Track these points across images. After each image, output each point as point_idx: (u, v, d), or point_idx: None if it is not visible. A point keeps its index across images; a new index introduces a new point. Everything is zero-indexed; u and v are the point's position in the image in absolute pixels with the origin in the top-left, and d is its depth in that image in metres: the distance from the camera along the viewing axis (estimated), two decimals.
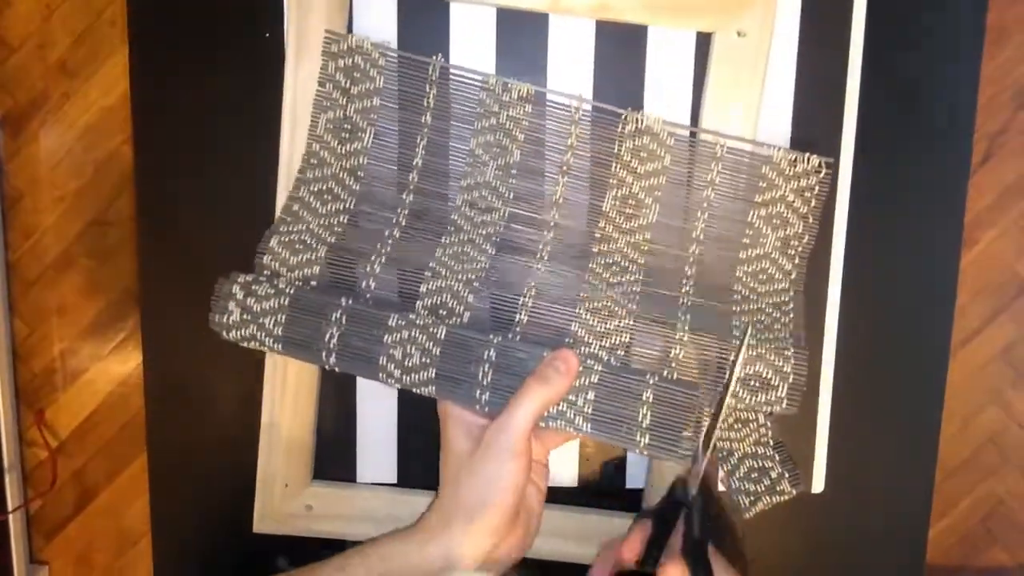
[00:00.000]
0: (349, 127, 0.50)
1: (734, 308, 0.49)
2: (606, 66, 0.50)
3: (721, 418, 0.45)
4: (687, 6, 0.48)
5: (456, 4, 0.50)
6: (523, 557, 0.46)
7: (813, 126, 0.51)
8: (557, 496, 0.53)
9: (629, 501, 0.54)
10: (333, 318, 0.47)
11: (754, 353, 0.47)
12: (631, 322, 0.48)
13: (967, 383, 0.67)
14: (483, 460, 0.42)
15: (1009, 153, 0.66)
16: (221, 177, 0.52)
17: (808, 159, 0.48)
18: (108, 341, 0.67)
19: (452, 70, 0.49)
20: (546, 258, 0.49)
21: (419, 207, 0.50)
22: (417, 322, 0.46)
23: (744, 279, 0.50)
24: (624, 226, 0.50)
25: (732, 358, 0.46)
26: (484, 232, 0.49)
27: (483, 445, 0.43)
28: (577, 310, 0.48)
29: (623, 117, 0.48)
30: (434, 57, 0.49)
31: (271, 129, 0.50)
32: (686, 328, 0.48)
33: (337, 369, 0.47)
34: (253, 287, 0.47)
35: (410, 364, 0.46)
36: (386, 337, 0.46)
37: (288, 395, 0.52)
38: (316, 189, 0.50)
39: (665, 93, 0.51)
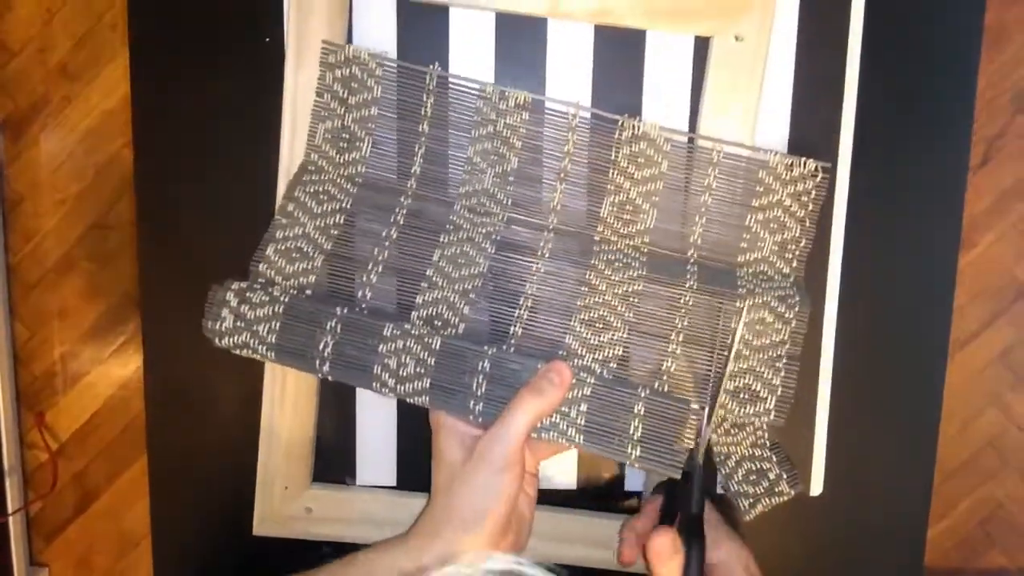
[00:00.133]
0: (347, 136, 0.50)
1: (736, 304, 0.49)
2: (605, 71, 0.51)
3: (723, 388, 0.46)
4: (686, 11, 0.49)
5: (455, 9, 0.50)
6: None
7: (811, 129, 0.51)
8: (556, 499, 0.53)
9: (627, 504, 0.54)
10: (328, 327, 0.47)
11: (744, 366, 0.48)
12: (624, 335, 0.49)
13: (966, 386, 0.67)
14: (476, 470, 0.43)
15: (1007, 156, 0.66)
16: (221, 181, 0.52)
17: (804, 163, 0.49)
18: (108, 344, 0.67)
19: (449, 79, 0.49)
20: (547, 255, 0.49)
21: (417, 208, 0.50)
22: (412, 332, 0.47)
23: (742, 283, 0.50)
24: (622, 231, 0.50)
25: (733, 325, 0.47)
26: (483, 231, 0.50)
27: (476, 455, 0.43)
28: (572, 322, 0.48)
29: (620, 123, 0.49)
30: (431, 66, 0.49)
31: (271, 133, 0.50)
32: (679, 340, 0.49)
33: (331, 378, 0.47)
34: (247, 294, 0.48)
35: (404, 374, 0.46)
36: (380, 347, 0.47)
37: (288, 397, 0.52)
38: (312, 191, 0.50)
39: (663, 97, 0.51)
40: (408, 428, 0.54)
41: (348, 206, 0.50)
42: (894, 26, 0.51)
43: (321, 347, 0.47)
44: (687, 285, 0.49)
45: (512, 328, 0.48)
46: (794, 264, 0.50)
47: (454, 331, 0.48)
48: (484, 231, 0.50)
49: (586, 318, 0.49)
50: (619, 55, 0.50)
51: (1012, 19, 0.65)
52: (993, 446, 0.68)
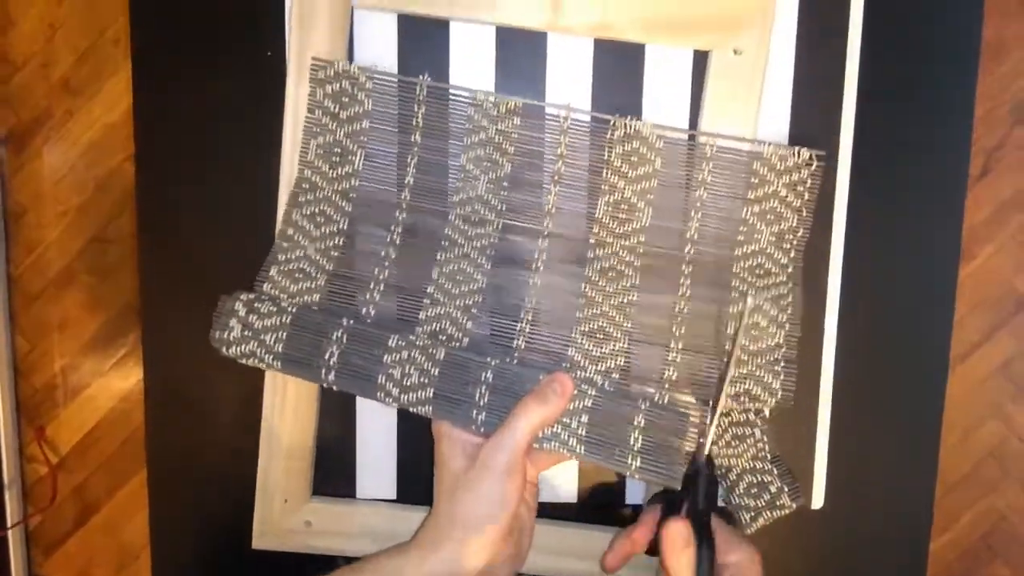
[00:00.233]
0: (340, 151, 0.50)
1: (731, 309, 0.49)
2: (604, 84, 0.51)
3: (728, 379, 0.46)
4: (685, 25, 0.49)
5: (456, 23, 0.50)
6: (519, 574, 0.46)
7: (810, 141, 0.51)
8: (557, 512, 0.53)
9: (628, 516, 0.54)
10: (334, 337, 0.47)
11: (744, 371, 0.49)
12: (626, 345, 0.49)
13: (967, 397, 0.67)
14: (479, 478, 0.43)
15: (1006, 168, 0.66)
16: (222, 194, 0.52)
17: (799, 152, 0.49)
18: (109, 357, 0.67)
19: (439, 88, 0.50)
20: (542, 269, 0.49)
21: (412, 224, 0.50)
22: (417, 343, 0.47)
23: (741, 274, 0.50)
24: (618, 230, 0.50)
25: (732, 329, 0.47)
26: (479, 245, 0.50)
27: (479, 463, 0.43)
28: (573, 334, 0.49)
29: (612, 123, 0.49)
30: (421, 76, 0.49)
31: (272, 147, 0.50)
32: (679, 346, 0.49)
33: (336, 387, 0.47)
34: (255, 304, 0.48)
35: (408, 384, 0.46)
36: (385, 357, 0.47)
37: (288, 410, 0.52)
38: (309, 212, 0.50)
39: (663, 110, 0.51)
40: (409, 441, 0.54)
41: (345, 226, 0.50)
42: (893, 37, 0.51)
43: (327, 356, 0.47)
44: (681, 293, 0.49)
45: (515, 341, 0.49)
46: (792, 255, 0.50)
47: (458, 344, 0.48)
48: (479, 244, 0.50)
49: (587, 329, 0.49)
50: (619, 69, 0.51)
51: (1010, 33, 0.65)
52: (994, 457, 0.68)
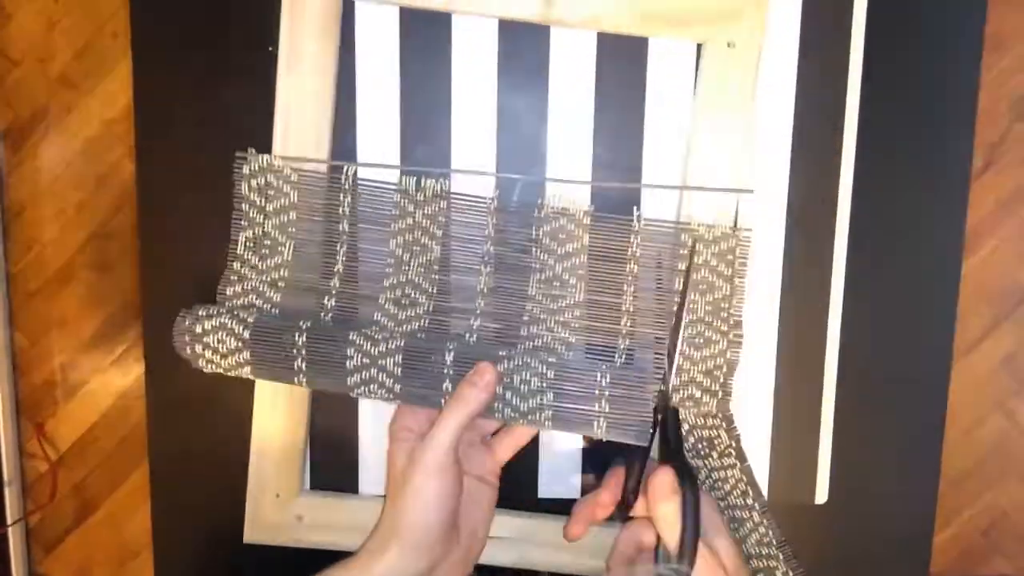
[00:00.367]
0: (269, 243, 0.50)
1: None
2: (607, 77, 0.51)
3: (682, 328, 0.47)
4: (677, 18, 0.49)
5: (458, 16, 0.50)
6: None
7: (813, 138, 0.51)
8: (556, 507, 0.53)
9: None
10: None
11: (686, 377, 0.50)
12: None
13: (969, 393, 0.66)
14: (411, 477, 0.43)
15: (1007, 163, 0.66)
16: (222, 190, 0.52)
17: (725, 224, 0.49)
18: (108, 354, 0.66)
19: (362, 179, 0.50)
20: (472, 342, 0.49)
21: (341, 310, 0.50)
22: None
23: (681, 346, 0.49)
24: (551, 307, 0.50)
25: (685, 266, 0.48)
26: (409, 329, 0.50)
27: (412, 462, 0.44)
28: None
29: (538, 203, 0.49)
30: (345, 167, 0.49)
31: (273, 143, 0.50)
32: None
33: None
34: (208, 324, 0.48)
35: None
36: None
37: (279, 405, 0.52)
38: (238, 303, 0.50)
39: (665, 104, 0.51)
40: None
41: (276, 313, 0.50)
42: (895, 34, 0.51)
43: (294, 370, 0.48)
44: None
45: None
46: (731, 322, 0.50)
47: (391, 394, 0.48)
48: (409, 328, 0.50)
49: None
50: (621, 62, 0.50)
51: (1010, 27, 0.65)
52: (997, 453, 0.68)
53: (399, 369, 0.46)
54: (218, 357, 0.48)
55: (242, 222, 0.51)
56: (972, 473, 0.67)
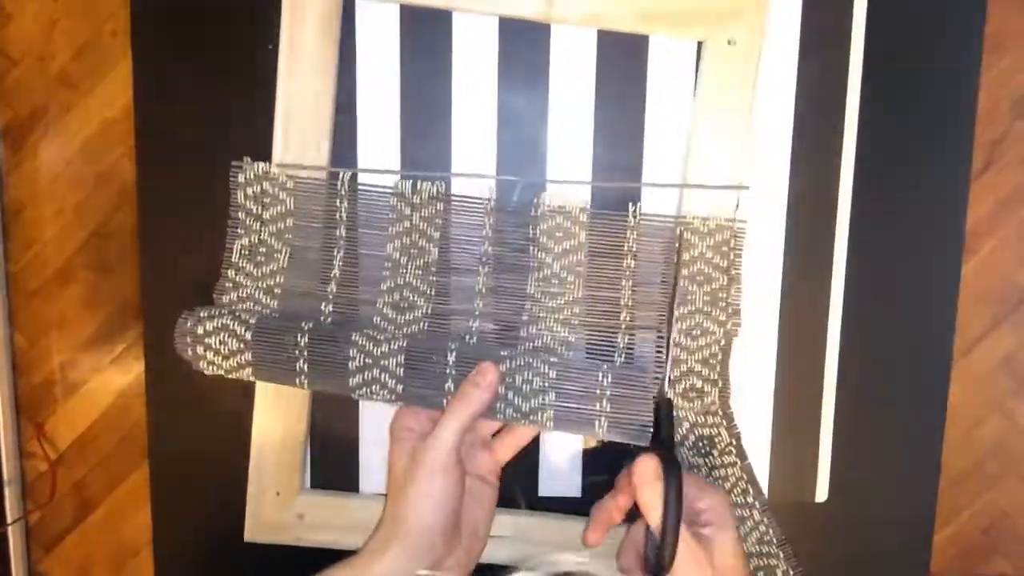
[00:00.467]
0: (264, 251, 0.50)
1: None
2: (607, 75, 0.51)
3: (676, 316, 0.48)
4: (678, 16, 0.49)
5: (458, 14, 0.50)
6: None
7: (813, 138, 0.51)
8: (561, 506, 0.53)
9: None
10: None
11: (684, 368, 0.50)
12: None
13: (969, 393, 0.67)
14: (413, 477, 0.43)
15: (1007, 163, 0.66)
16: (222, 189, 0.52)
17: (720, 218, 0.49)
18: (107, 353, 0.66)
19: (360, 182, 0.50)
20: (472, 343, 0.49)
21: (340, 315, 0.50)
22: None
23: (677, 337, 0.50)
24: (550, 305, 0.50)
25: (676, 247, 0.49)
26: (408, 331, 0.50)
27: (414, 462, 0.44)
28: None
29: (534, 202, 0.49)
30: (341, 172, 0.49)
31: (272, 142, 0.50)
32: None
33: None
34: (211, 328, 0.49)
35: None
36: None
37: (280, 403, 0.52)
38: (233, 310, 0.50)
39: (666, 102, 0.51)
40: None
41: (276, 316, 0.50)
42: (895, 34, 0.51)
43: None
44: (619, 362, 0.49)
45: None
46: (729, 311, 0.50)
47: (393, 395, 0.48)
48: (408, 331, 0.50)
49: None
50: (622, 60, 0.50)
51: (1010, 27, 0.65)
52: (996, 453, 0.68)
53: (401, 369, 0.46)
54: (219, 358, 0.48)
55: (238, 230, 0.51)
56: (972, 473, 0.68)
